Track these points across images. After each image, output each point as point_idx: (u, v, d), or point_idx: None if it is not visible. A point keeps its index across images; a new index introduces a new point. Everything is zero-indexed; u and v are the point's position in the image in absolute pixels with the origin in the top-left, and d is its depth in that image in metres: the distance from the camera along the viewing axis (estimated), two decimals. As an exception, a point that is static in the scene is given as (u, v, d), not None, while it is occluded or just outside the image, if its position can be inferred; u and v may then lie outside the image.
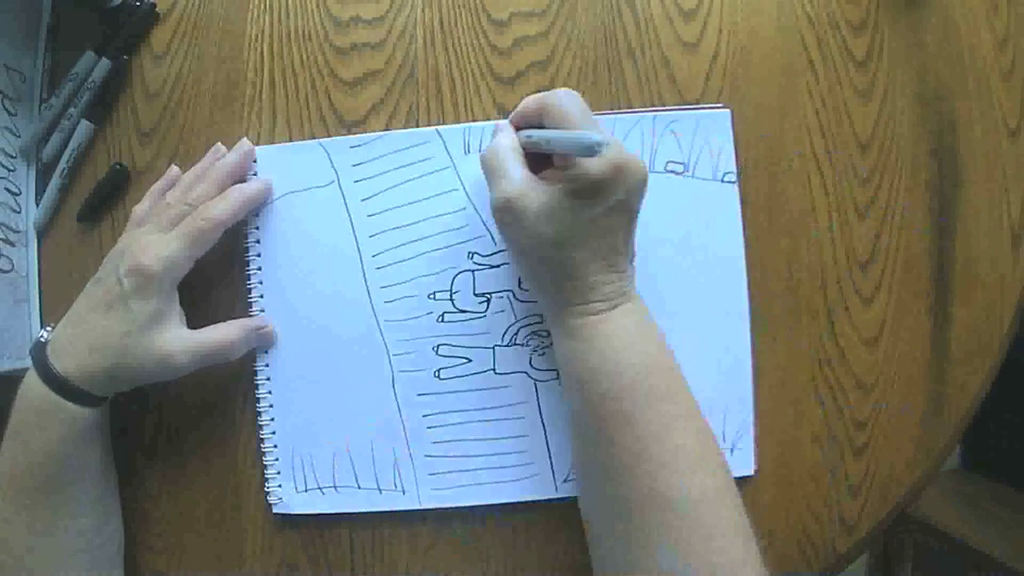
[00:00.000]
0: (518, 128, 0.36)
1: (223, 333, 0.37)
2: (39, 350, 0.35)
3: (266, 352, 0.40)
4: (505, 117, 0.40)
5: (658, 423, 0.31)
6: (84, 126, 0.42)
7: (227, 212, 0.37)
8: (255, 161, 0.40)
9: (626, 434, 0.30)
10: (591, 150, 0.28)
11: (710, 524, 0.29)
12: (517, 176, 0.32)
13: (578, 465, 0.36)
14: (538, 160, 0.34)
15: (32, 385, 0.35)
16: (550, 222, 0.31)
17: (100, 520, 0.37)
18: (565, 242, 0.31)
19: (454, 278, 0.39)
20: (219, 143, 0.40)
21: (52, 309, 0.42)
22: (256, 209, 0.40)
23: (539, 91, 0.40)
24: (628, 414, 0.31)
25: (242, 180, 0.40)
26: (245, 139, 0.40)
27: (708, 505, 0.30)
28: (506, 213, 0.32)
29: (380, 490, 0.39)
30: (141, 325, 0.35)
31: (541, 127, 0.34)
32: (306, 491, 0.40)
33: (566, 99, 0.33)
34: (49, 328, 0.37)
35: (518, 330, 0.39)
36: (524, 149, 0.34)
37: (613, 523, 0.32)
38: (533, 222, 0.31)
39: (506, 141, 0.34)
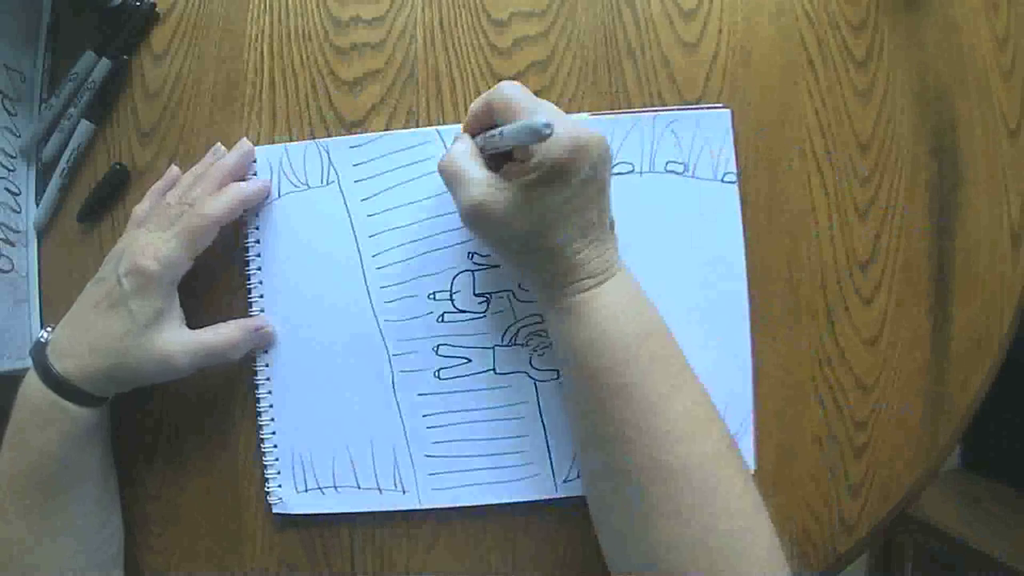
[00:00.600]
0: (473, 134, 0.35)
1: (223, 334, 0.37)
2: (39, 350, 0.35)
3: (266, 352, 0.40)
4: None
5: (656, 393, 0.30)
6: (84, 126, 0.42)
7: (222, 209, 0.37)
8: (255, 161, 0.40)
9: (625, 406, 0.30)
10: (539, 134, 0.28)
11: (712, 489, 0.29)
12: (479, 178, 0.32)
13: (578, 442, 0.35)
14: (500, 161, 0.33)
15: (32, 385, 0.35)
16: (522, 215, 0.31)
17: (100, 520, 0.37)
18: (542, 230, 0.31)
19: (454, 278, 0.39)
20: (219, 143, 0.40)
21: (52, 309, 0.42)
22: (256, 209, 0.40)
23: (539, 91, 0.40)
24: (625, 386, 0.31)
25: (242, 180, 0.40)
26: (245, 139, 0.40)
27: (709, 470, 0.30)
28: (476, 218, 0.32)
29: (380, 490, 0.39)
30: (141, 326, 0.35)
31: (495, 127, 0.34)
32: (306, 491, 0.40)
33: (508, 90, 0.32)
34: (49, 328, 0.37)
35: (518, 330, 0.39)
36: (484, 152, 0.34)
37: (616, 497, 0.31)
38: (505, 220, 0.31)
39: (462, 147, 0.34)
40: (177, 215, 0.36)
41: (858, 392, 0.39)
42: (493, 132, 0.32)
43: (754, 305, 0.39)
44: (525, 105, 0.32)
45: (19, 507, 0.34)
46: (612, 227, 0.34)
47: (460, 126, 0.39)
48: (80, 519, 0.36)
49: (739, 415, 0.39)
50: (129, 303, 0.34)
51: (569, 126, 0.30)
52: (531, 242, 0.32)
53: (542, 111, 0.32)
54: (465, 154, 0.33)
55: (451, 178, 0.33)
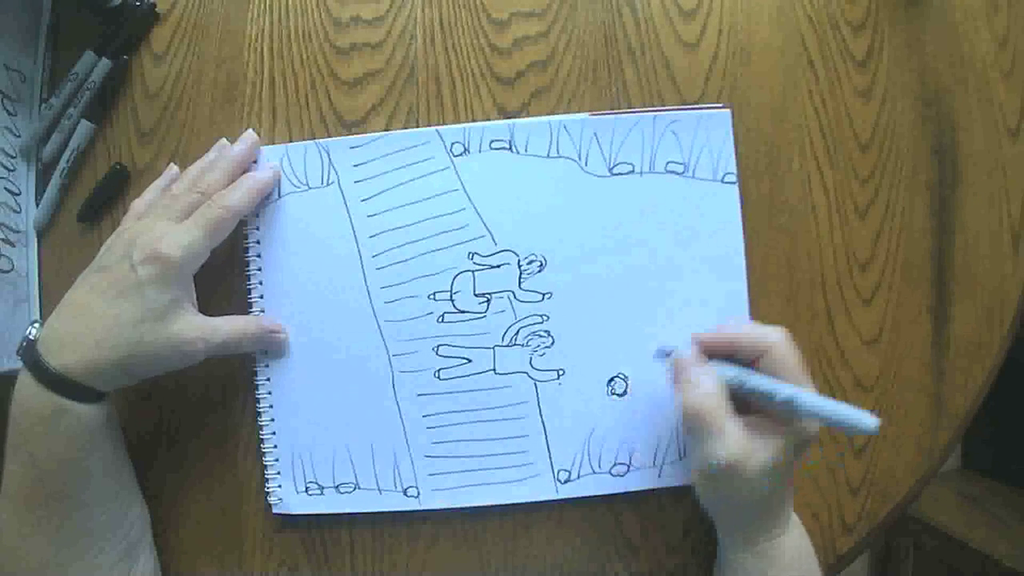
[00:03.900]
0: (709, 355, 0.34)
1: (239, 324, 0.37)
2: (30, 350, 0.33)
3: (266, 352, 0.40)
4: (505, 117, 0.40)
5: None
6: (84, 126, 0.42)
7: (243, 201, 0.37)
8: (255, 161, 0.40)
9: None
10: (865, 432, 0.28)
11: None
12: (735, 436, 0.31)
13: None
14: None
15: (27, 390, 0.33)
16: (771, 478, 0.31)
17: (120, 514, 0.36)
18: (779, 490, 0.32)
19: (454, 278, 0.39)
20: (223, 139, 0.40)
21: (52, 309, 0.41)
22: (256, 209, 0.39)
23: (539, 91, 0.40)
24: None
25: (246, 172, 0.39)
26: (251, 130, 0.40)
27: None
28: (725, 478, 0.31)
29: (380, 490, 0.39)
30: (158, 313, 0.34)
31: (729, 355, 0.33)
32: (306, 491, 0.40)
33: (789, 350, 0.32)
34: (37, 325, 0.35)
35: (518, 330, 0.39)
36: (730, 390, 0.32)
37: None
38: (753, 481, 0.31)
39: (711, 387, 0.32)
40: (189, 205, 0.36)
41: (858, 392, 0.39)
42: (769, 389, 0.31)
43: (754, 305, 0.39)
44: (798, 373, 0.31)
45: (36, 519, 0.33)
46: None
47: (463, 125, 0.39)
48: (99, 518, 0.35)
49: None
50: (145, 291, 0.33)
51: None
52: (766, 499, 0.32)
53: (805, 380, 0.31)
54: (716, 397, 0.32)
55: (701, 424, 0.31)
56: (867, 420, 0.27)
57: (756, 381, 0.31)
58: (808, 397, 0.30)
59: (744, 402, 0.33)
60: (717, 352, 0.34)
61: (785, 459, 0.31)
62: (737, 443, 0.30)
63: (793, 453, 0.32)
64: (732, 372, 0.32)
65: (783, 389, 0.30)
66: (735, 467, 0.30)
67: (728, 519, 0.35)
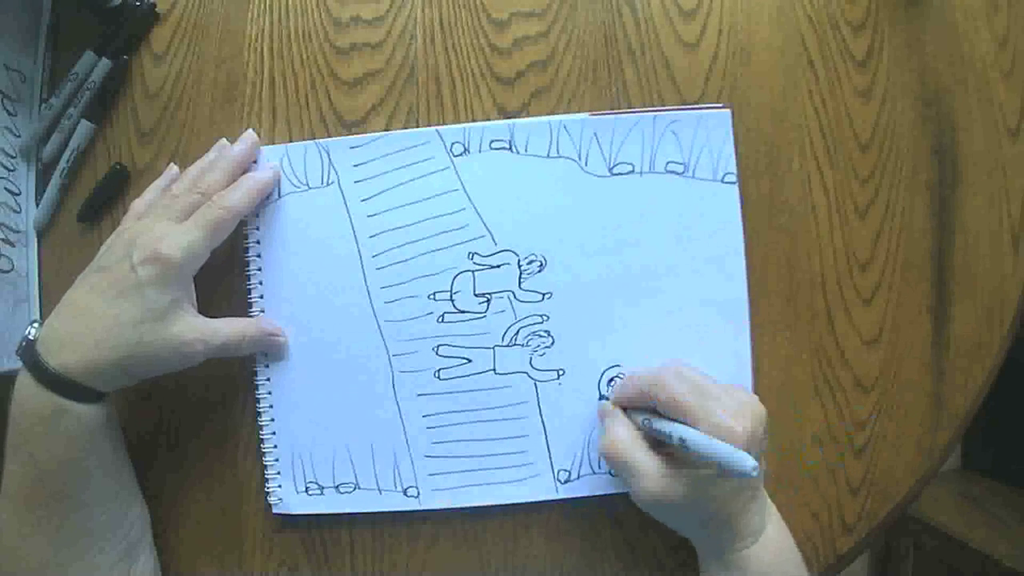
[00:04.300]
0: (624, 408, 0.36)
1: (239, 326, 0.37)
2: (29, 350, 0.33)
3: (266, 353, 0.40)
4: (505, 117, 0.40)
5: None
6: (84, 126, 0.42)
7: (244, 201, 0.37)
8: (255, 161, 0.40)
9: None
10: (745, 475, 0.28)
11: None
12: (652, 471, 0.32)
13: None
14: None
15: (27, 390, 0.32)
16: (701, 502, 0.32)
17: (120, 514, 0.36)
18: (718, 508, 0.32)
19: (454, 278, 0.39)
20: (223, 139, 0.40)
21: (52, 309, 0.42)
22: (256, 209, 0.39)
23: (539, 91, 0.40)
24: None
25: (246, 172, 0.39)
26: (251, 130, 0.40)
27: None
28: (652, 506, 0.33)
29: (380, 490, 0.39)
30: (157, 314, 0.34)
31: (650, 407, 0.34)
32: (306, 491, 0.40)
33: (680, 385, 0.32)
34: (36, 325, 0.35)
35: (518, 330, 0.39)
36: (642, 432, 0.34)
37: None
38: (684, 507, 0.32)
39: (622, 432, 0.34)
40: (190, 205, 0.36)
41: (858, 392, 0.39)
42: (672, 430, 0.31)
43: (754, 305, 0.39)
44: (697, 410, 0.31)
45: (36, 520, 0.33)
46: (762, 472, 0.35)
47: (463, 126, 0.39)
48: (99, 518, 0.35)
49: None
50: (145, 291, 0.33)
51: (746, 421, 0.31)
52: (705, 519, 0.33)
53: (711, 397, 0.32)
54: (628, 440, 0.33)
55: (619, 467, 0.33)
56: (747, 462, 0.28)
57: (658, 424, 0.33)
58: (696, 439, 0.30)
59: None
60: (635, 402, 0.35)
61: (705, 490, 0.32)
62: (653, 479, 0.32)
63: (711, 485, 0.32)
64: (641, 417, 0.34)
65: (676, 430, 0.31)
66: (659, 499, 0.32)
67: (690, 535, 0.36)
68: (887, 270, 0.40)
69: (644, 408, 0.34)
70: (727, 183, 0.39)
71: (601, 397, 0.39)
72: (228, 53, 0.42)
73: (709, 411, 0.31)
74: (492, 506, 0.39)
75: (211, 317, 0.37)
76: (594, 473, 0.39)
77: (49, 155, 0.43)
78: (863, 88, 0.40)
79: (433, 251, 0.39)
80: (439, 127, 0.40)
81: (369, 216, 0.39)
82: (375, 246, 0.39)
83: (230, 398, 0.41)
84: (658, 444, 0.33)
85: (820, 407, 0.39)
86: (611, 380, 0.39)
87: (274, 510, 0.40)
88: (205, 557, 0.40)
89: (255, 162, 0.40)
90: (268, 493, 0.40)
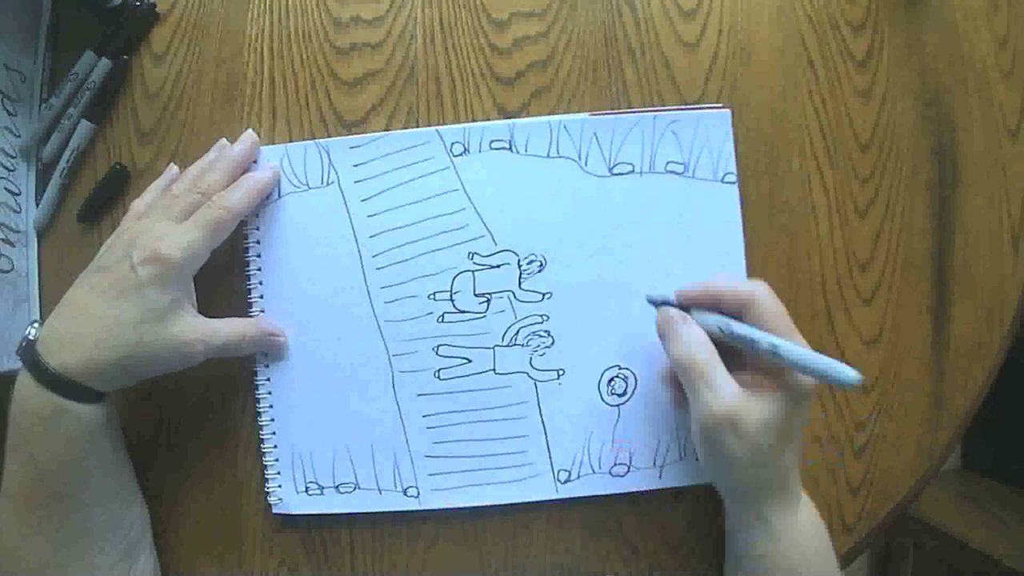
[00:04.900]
0: (685, 308, 0.34)
1: (239, 327, 0.37)
2: (29, 350, 0.33)
3: (266, 353, 0.40)
4: (505, 117, 0.40)
5: None
6: (84, 126, 0.42)
7: (244, 201, 0.37)
8: (255, 161, 0.40)
9: None
10: (848, 385, 0.27)
11: None
12: (729, 389, 0.31)
13: None
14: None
15: (27, 390, 0.32)
16: (771, 433, 0.30)
17: (119, 514, 0.36)
18: (784, 450, 0.31)
19: (454, 278, 0.39)
20: (223, 139, 0.40)
21: (52, 309, 0.42)
22: (256, 209, 0.39)
23: (539, 91, 0.40)
24: None
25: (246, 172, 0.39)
26: (251, 130, 0.40)
27: None
28: (721, 430, 0.31)
29: (380, 490, 0.39)
30: (157, 314, 0.33)
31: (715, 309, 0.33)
32: (306, 491, 0.40)
33: (770, 302, 0.32)
34: (36, 325, 0.34)
35: (518, 330, 0.39)
36: (714, 338, 0.32)
37: None
38: (753, 436, 0.30)
39: (698, 336, 0.32)
40: (190, 205, 0.36)
41: (858, 392, 0.39)
42: (753, 337, 0.30)
43: (754, 305, 0.39)
44: (782, 323, 0.31)
45: (36, 520, 0.33)
46: None
47: (463, 125, 0.39)
48: (99, 518, 0.35)
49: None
50: (145, 291, 0.33)
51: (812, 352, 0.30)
52: (769, 460, 0.31)
53: (790, 330, 0.31)
54: (705, 347, 0.32)
55: (694, 375, 0.31)
56: (848, 372, 0.27)
57: (739, 328, 0.31)
58: (790, 346, 0.30)
59: (738, 362, 0.33)
60: (701, 305, 0.34)
61: (782, 416, 0.31)
62: (730, 395, 0.30)
63: (789, 411, 0.31)
64: (714, 320, 0.32)
65: (766, 337, 0.30)
66: (731, 419, 0.30)
67: (733, 486, 0.33)
68: (887, 270, 0.40)
69: (708, 313, 0.33)
70: (727, 183, 0.39)
71: (603, 399, 0.39)
72: (228, 53, 0.42)
73: (792, 334, 0.31)
74: (492, 506, 0.39)
75: (211, 317, 0.37)
76: (594, 473, 0.39)
77: (49, 155, 0.43)
78: (863, 88, 0.40)
79: (433, 251, 0.39)
80: (439, 127, 0.40)
81: (369, 216, 0.39)
82: (375, 246, 0.39)
83: (230, 398, 0.41)
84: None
85: (820, 407, 0.39)
86: (611, 380, 0.39)
87: (274, 510, 0.40)
88: (205, 557, 0.40)
89: (255, 162, 0.40)
90: (268, 493, 0.40)
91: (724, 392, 0.31)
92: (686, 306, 0.34)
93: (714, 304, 0.33)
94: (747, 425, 0.30)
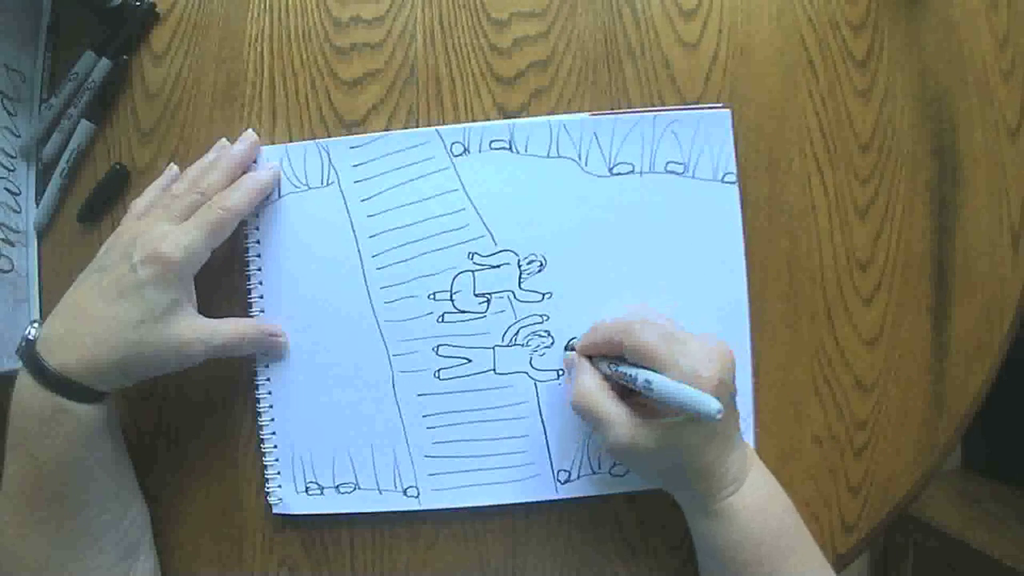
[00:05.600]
0: (590, 356, 0.36)
1: (239, 327, 0.37)
2: (29, 350, 0.33)
3: (266, 353, 0.40)
4: (505, 117, 0.40)
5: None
6: (84, 126, 0.42)
7: (244, 201, 0.37)
8: (255, 161, 0.40)
9: None
10: (710, 418, 0.28)
11: None
12: (622, 419, 0.32)
13: None
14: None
15: (27, 390, 0.32)
16: (672, 451, 0.32)
17: (119, 514, 0.36)
18: (692, 457, 0.32)
19: (454, 278, 0.39)
20: (223, 139, 0.40)
21: (52, 309, 0.42)
22: (256, 210, 0.39)
23: (539, 91, 0.40)
24: (770, 574, 0.33)
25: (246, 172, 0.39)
26: (251, 130, 0.40)
27: None
28: (625, 456, 0.33)
29: (380, 490, 0.39)
30: (157, 314, 0.33)
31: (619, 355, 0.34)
32: (306, 491, 0.40)
33: (647, 332, 0.32)
34: (36, 325, 0.34)
35: (518, 330, 0.39)
36: (610, 381, 0.34)
37: None
38: (656, 456, 0.32)
39: (590, 381, 0.34)
40: (190, 205, 0.36)
41: (858, 392, 0.39)
42: (631, 374, 0.32)
43: (754, 305, 0.39)
44: (664, 357, 0.31)
45: (35, 520, 0.33)
46: (737, 419, 0.35)
47: (463, 126, 0.39)
48: (98, 518, 0.35)
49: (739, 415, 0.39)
50: (145, 291, 0.33)
51: (713, 367, 0.31)
52: (681, 468, 0.33)
53: (679, 345, 0.32)
54: (596, 390, 0.34)
55: (589, 417, 0.33)
56: (711, 405, 0.28)
57: (622, 368, 0.33)
58: (660, 380, 0.30)
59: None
60: (602, 349, 0.35)
61: (677, 434, 0.31)
62: (622, 426, 0.32)
63: (689, 427, 0.31)
64: (605, 364, 0.34)
65: (641, 374, 0.31)
66: (631, 448, 0.32)
67: (671, 488, 0.35)
68: (887, 270, 0.40)
69: (611, 356, 0.34)
70: (727, 183, 0.39)
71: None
72: (228, 53, 0.42)
73: (676, 356, 0.31)
74: (492, 506, 0.39)
75: (211, 317, 0.37)
76: (594, 473, 0.39)
77: (49, 155, 0.43)
78: (863, 88, 0.40)
79: (433, 251, 0.39)
80: (439, 127, 0.40)
81: (369, 216, 0.39)
82: (375, 246, 0.39)
83: (230, 398, 0.41)
84: (628, 394, 0.34)
85: (820, 407, 0.39)
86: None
87: (274, 510, 0.40)
88: (205, 557, 0.40)
89: (255, 162, 0.40)
90: (268, 493, 0.40)
91: (617, 428, 0.32)
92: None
93: (609, 347, 0.35)
94: (645, 448, 0.32)
